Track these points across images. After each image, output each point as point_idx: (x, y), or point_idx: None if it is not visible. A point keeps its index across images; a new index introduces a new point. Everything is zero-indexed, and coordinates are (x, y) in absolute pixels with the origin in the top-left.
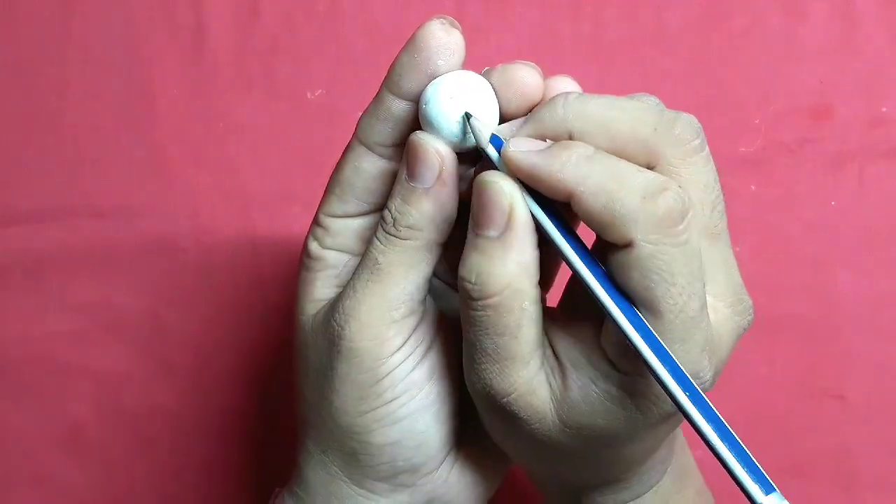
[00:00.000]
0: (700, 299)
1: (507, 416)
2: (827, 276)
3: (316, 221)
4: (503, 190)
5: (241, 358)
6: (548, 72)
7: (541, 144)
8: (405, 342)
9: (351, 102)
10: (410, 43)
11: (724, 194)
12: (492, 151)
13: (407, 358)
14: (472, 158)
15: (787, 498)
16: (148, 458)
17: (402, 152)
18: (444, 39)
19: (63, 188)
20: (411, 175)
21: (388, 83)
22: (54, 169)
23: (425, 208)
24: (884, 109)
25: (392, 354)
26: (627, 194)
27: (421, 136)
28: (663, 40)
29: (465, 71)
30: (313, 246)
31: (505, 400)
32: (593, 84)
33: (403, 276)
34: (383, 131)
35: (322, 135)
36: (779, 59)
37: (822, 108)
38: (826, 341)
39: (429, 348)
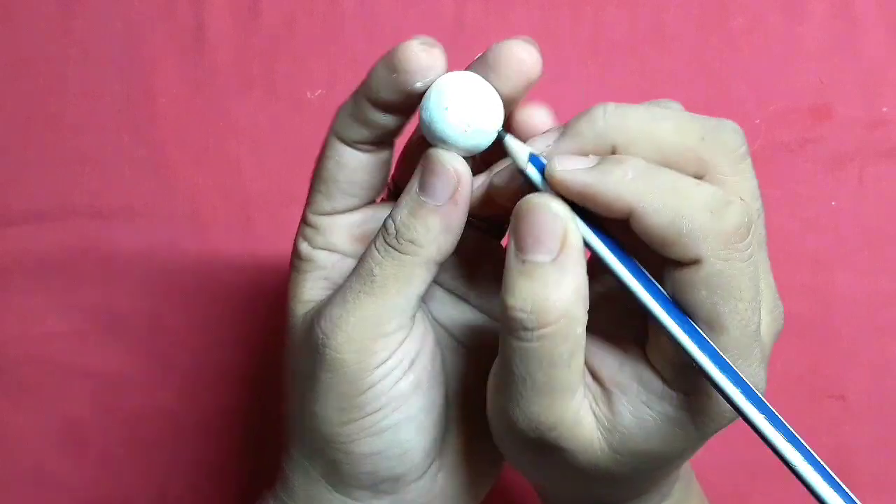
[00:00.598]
0: (759, 312)
1: (550, 448)
2: (827, 276)
3: (304, 221)
4: (557, 213)
5: (240, 358)
6: (548, 72)
7: (587, 161)
8: (391, 355)
9: None
10: (389, 59)
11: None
12: (533, 173)
13: (392, 370)
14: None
15: (787, 498)
16: (147, 458)
17: (382, 147)
18: (425, 62)
19: (63, 188)
20: (423, 189)
21: (367, 91)
22: (54, 169)
23: (432, 225)
24: (884, 109)
25: (377, 367)
26: (694, 210)
27: (440, 153)
28: (663, 40)
29: (463, 73)
30: (303, 246)
31: (552, 433)
32: (593, 84)
33: (398, 291)
34: (362, 133)
35: (322, 135)
36: (779, 59)
37: (822, 108)
38: (826, 341)
39: (415, 359)
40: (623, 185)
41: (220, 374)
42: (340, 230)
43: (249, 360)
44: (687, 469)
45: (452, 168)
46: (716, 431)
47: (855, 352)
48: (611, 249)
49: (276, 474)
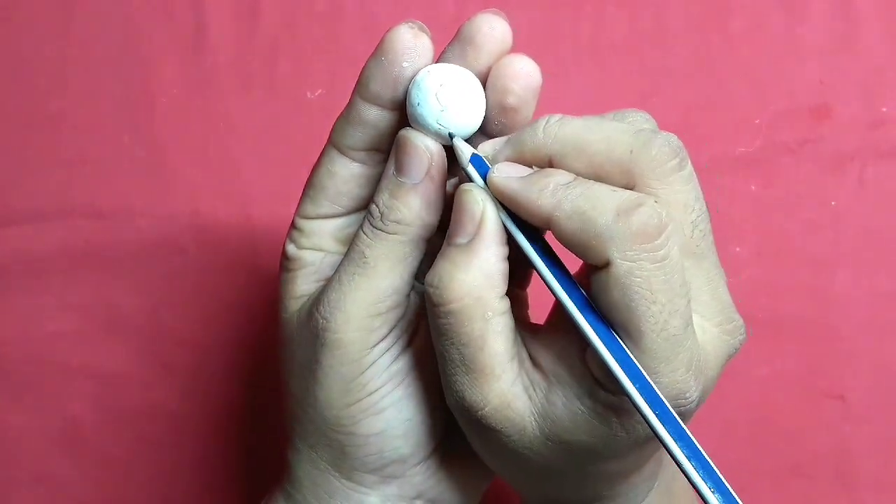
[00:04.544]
0: (683, 317)
1: (485, 428)
2: (827, 276)
3: (292, 224)
4: (475, 199)
5: (241, 358)
6: (548, 72)
7: (524, 171)
8: (389, 332)
9: None
10: (379, 47)
11: (708, 213)
12: (472, 171)
13: (390, 347)
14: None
15: (787, 498)
16: (147, 458)
17: (375, 156)
18: (410, 43)
19: (63, 188)
20: (400, 170)
21: (359, 88)
22: (54, 169)
23: (413, 204)
24: (884, 109)
25: (376, 345)
26: (601, 213)
27: (410, 133)
28: (663, 40)
29: (449, 64)
30: (290, 248)
31: (480, 413)
32: (594, 84)
33: (390, 269)
34: (355, 136)
35: (322, 135)
36: (779, 59)
37: (822, 108)
38: (826, 341)
39: (412, 338)
40: (543, 196)
41: (220, 373)
42: (325, 233)
43: (249, 360)
44: (672, 480)
45: (423, 146)
46: (648, 438)
47: (855, 352)
48: (536, 250)
49: (282, 470)
